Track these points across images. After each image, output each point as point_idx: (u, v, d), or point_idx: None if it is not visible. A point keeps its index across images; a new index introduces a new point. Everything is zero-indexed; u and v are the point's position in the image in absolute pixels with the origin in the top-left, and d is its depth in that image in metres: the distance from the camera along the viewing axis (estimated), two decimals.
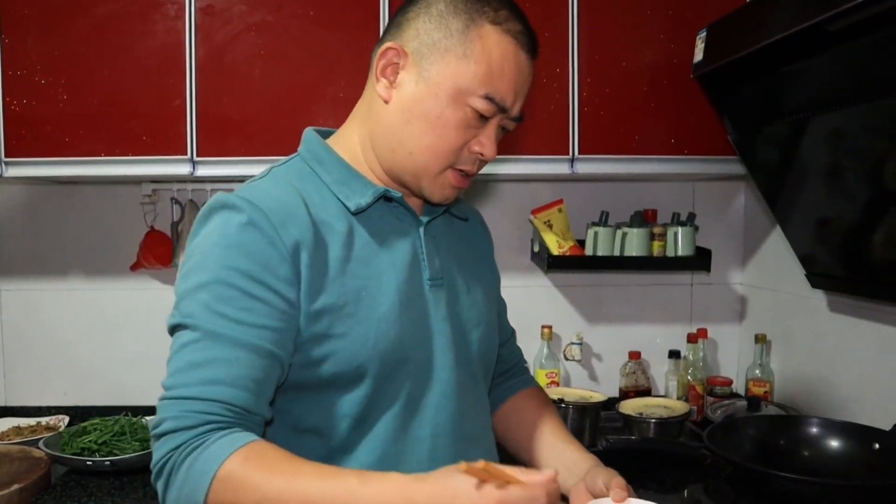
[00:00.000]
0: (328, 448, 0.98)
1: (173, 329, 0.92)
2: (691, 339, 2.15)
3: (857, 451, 1.43)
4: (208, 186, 2.03)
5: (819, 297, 1.85)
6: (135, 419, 1.90)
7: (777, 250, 2.04)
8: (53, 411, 2.08)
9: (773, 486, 1.28)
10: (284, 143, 1.70)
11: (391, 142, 1.00)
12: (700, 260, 2.08)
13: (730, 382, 2.11)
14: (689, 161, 1.83)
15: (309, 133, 1.08)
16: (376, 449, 0.98)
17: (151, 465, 0.87)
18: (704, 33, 1.59)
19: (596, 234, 2.02)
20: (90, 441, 1.76)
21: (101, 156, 1.69)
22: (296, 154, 1.07)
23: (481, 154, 1.01)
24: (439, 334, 1.04)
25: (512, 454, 1.23)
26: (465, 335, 1.08)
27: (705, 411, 2.04)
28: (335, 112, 1.72)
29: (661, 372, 2.22)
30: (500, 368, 1.27)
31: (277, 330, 0.91)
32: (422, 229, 1.06)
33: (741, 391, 2.15)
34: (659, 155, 1.81)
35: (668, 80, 1.77)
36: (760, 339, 2.04)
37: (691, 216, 2.11)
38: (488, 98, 0.97)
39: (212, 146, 1.71)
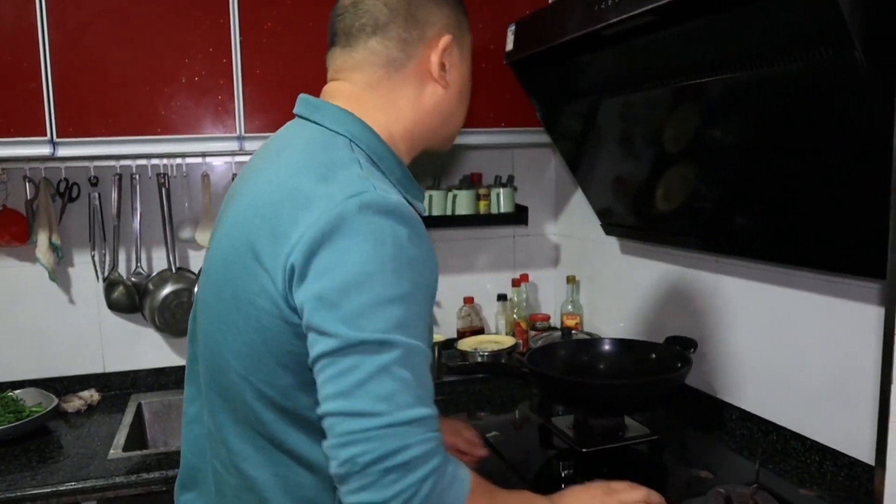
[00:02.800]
0: None
1: (355, 346, 0.81)
2: (515, 283, 2.45)
3: (640, 360, 1.74)
4: (62, 164, 2.07)
5: (613, 243, 2.20)
6: (0, 394, 1.95)
7: (581, 205, 2.34)
8: None
9: (578, 391, 1.60)
10: (145, 123, 1.82)
11: (444, 120, 1.06)
12: (519, 215, 2.36)
13: (548, 318, 2.44)
14: (506, 133, 2.10)
15: (343, 112, 0.98)
16: None
17: (388, 497, 0.78)
18: (514, 27, 1.80)
19: (430, 196, 2.25)
20: None
21: None
22: (337, 133, 0.96)
23: None
24: None
25: None
26: None
27: (529, 343, 2.37)
28: (191, 95, 1.83)
29: (491, 313, 2.51)
30: None
31: None
32: None
33: (558, 324, 2.48)
34: (481, 128, 2.05)
35: (487, 64, 2.00)
36: (571, 280, 2.37)
37: (511, 178, 2.40)
38: None
39: (72, 127, 1.76)
